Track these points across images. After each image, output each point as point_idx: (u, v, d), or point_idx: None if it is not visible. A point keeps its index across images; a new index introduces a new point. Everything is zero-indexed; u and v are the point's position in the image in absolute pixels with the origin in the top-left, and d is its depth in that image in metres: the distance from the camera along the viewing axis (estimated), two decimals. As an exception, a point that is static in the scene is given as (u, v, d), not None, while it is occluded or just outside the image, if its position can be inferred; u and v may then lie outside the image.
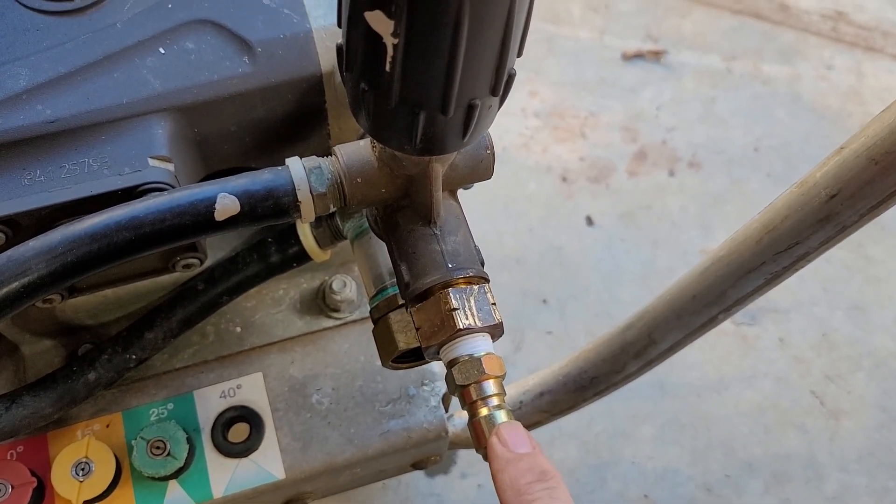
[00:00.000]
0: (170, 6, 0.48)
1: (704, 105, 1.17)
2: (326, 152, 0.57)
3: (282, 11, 0.49)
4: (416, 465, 0.69)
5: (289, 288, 0.66)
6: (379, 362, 0.64)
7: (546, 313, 1.00)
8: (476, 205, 1.06)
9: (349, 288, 0.65)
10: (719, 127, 1.15)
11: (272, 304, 0.66)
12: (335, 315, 0.65)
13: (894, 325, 1.04)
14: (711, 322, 0.55)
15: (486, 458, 0.42)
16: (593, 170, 1.10)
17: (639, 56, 1.20)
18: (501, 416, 0.42)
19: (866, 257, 1.08)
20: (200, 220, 0.42)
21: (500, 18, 0.32)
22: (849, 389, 0.99)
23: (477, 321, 0.43)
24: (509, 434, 0.41)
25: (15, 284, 0.40)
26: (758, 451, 0.95)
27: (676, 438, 0.94)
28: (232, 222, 0.42)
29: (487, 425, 0.42)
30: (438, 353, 0.45)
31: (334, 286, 0.64)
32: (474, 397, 0.43)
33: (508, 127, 1.13)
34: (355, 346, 0.65)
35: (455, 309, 0.43)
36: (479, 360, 0.43)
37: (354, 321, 0.66)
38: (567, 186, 1.08)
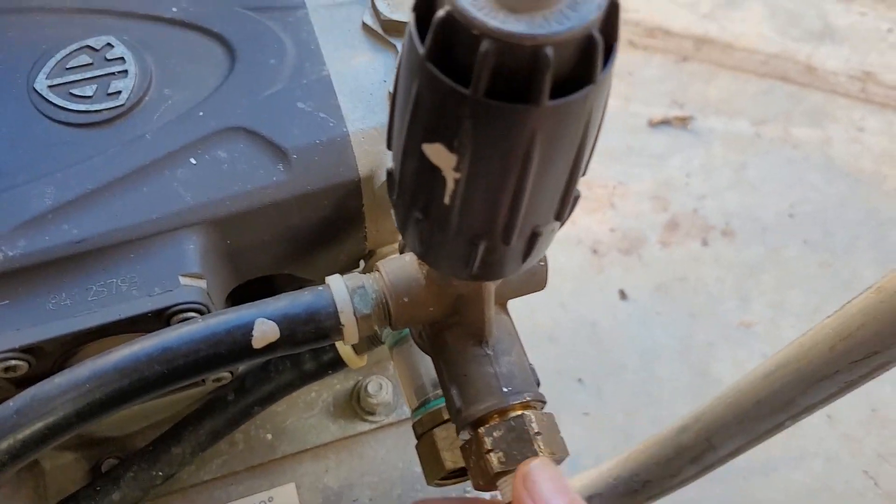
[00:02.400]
0: (201, 114, 0.46)
1: (735, 171, 1.14)
2: (362, 254, 0.55)
3: (318, 115, 0.47)
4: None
5: (321, 390, 0.63)
6: (418, 468, 0.61)
7: (582, 393, 0.96)
8: (505, 280, 1.04)
9: (385, 390, 0.61)
10: (751, 193, 1.12)
11: (304, 409, 0.62)
12: (371, 419, 0.62)
13: (947, 398, 0.99)
14: (777, 428, 0.51)
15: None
16: (624, 241, 1.07)
17: (665, 123, 1.18)
18: None
19: (912, 326, 1.04)
20: (237, 349, 0.39)
21: (572, 148, 0.29)
22: (904, 469, 0.95)
23: (543, 450, 0.40)
24: (540, 490, 0.37)
25: (39, 425, 0.37)
26: (811, 538, 0.91)
27: (723, 526, 0.90)
28: (271, 349, 0.39)
29: None
30: (495, 485, 0.41)
31: (370, 388, 0.61)
32: None
33: (535, 198, 1.11)
34: (392, 451, 0.61)
35: (491, 450, 0.40)
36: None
37: (391, 424, 0.62)
38: (598, 259, 1.06)
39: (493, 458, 0.39)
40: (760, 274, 1.06)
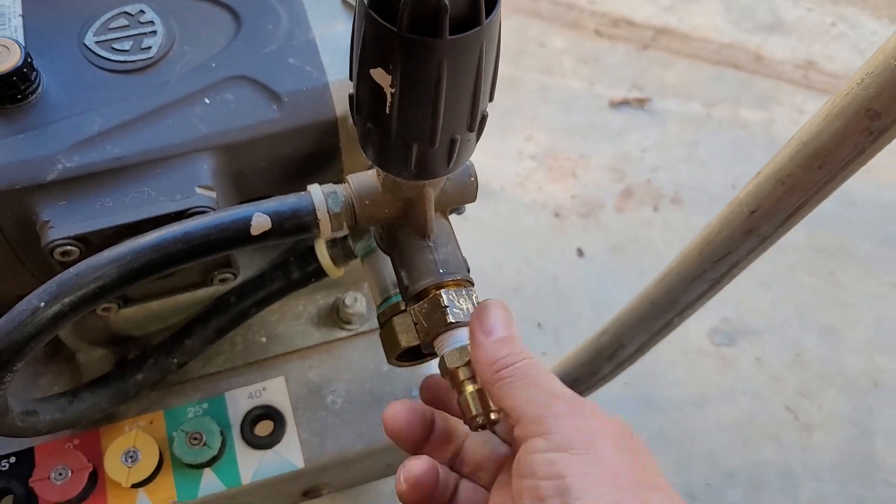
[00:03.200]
0: (213, 65, 0.59)
1: (687, 148, 1.27)
2: (340, 182, 0.68)
3: (304, 68, 0.60)
4: (419, 462, 0.77)
5: (307, 304, 0.76)
6: (386, 367, 0.74)
7: (541, 336, 1.09)
8: (476, 238, 1.16)
9: (360, 303, 0.74)
10: (700, 168, 1.25)
11: (293, 318, 0.75)
12: (348, 327, 0.75)
13: (863, 346, 1.12)
14: (668, 326, 0.64)
15: (473, 429, 0.50)
16: (584, 206, 1.20)
17: (625, 103, 1.31)
18: (486, 393, 0.50)
19: (836, 283, 1.17)
20: (239, 235, 0.51)
21: (471, 73, 0.42)
22: (820, 405, 1.07)
23: (464, 316, 0.52)
24: (491, 318, 0.45)
25: (92, 286, 0.49)
26: (737, 462, 1.03)
27: (661, 450, 1.02)
28: (264, 237, 0.52)
29: (472, 400, 0.51)
30: (433, 346, 0.54)
31: (347, 301, 0.74)
32: (461, 378, 0.51)
33: (506, 168, 1.23)
34: (366, 354, 0.74)
35: (445, 306, 0.52)
36: (465, 347, 0.51)
37: (364, 332, 0.75)
38: (560, 222, 1.18)
39: (435, 315, 0.52)
40: (704, 237, 1.19)
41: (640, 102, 1.30)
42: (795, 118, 1.30)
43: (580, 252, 1.16)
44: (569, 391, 0.41)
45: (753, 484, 1.02)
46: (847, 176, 0.49)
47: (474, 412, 0.48)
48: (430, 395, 0.53)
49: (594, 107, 1.30)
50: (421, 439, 0.50)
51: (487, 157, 1.21)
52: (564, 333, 1.09)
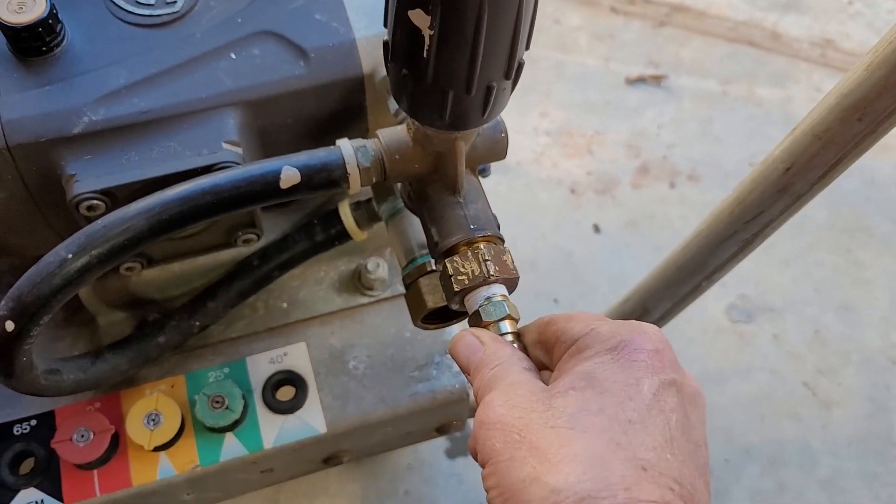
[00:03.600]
0: (239, 20, 0.59)
1: (702, 125, 1.26)
2: (366, 141, 0.67)
3: (330, 24, 0.59)
4: (441, 430, 0.77)
5: (329, 269, 0.75)
6: (408, 333, 0.74)
7: (557, 311, 1.08)
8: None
9: (382, 268, 0.74)
10: (716, 144, 1.24)
11: (314, 284, 0.75)
12: (370, 293, 0.74)
13: (881, 323, 1.11)
14: (696, 290, 0.63)
15: None
16: (600, 183, 1.19)
17: (641, 80, 1.30)
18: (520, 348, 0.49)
19: (855, 262, 1.16)
20: (268, 188, 0.51)
21: (511, 16, 0.41)
22: (839, 382, 1.07)
23: (495, 272, 0.51)
24: (461, 357, 0.46)
25: (121, 237, 0.48)
26: (755, 438, 1.03)
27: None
28: (293, 190, 0.51)
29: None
30: (464, 303, 0.53)
31: (369, 266, 0.73)
32: (502, 331, 0.50)
33: (522, 144, 1.23)
34: (387, 319, 0.74)
35: (489, 259, 0.51)
36: (497, 303, 0.51)
37: (386, 298, 0.74)
38: (576, 198, 1.18)
39: (475, 267, 0.51)
40: (721, 214, 1.18)
41: (656, 79, 1.29)
42: (812, 96, 1.29)
43: (596, 228, 1.15)
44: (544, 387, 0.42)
45: (771, 460, 1.01)
46: (887, 129, 0.48)
47: None
48: None
49: (610, 83, 1.29)
50: None
51: (503, 132, 1.21)
52: (581, 308, 1.08)
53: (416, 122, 0.49)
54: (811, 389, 1.06)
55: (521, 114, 1.25)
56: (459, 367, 0.47)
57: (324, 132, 0.62)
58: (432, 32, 0.41)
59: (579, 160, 1.21)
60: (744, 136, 1.26)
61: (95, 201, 0.54)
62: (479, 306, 0.50)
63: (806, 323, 1.11)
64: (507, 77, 0.45)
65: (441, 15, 0.40)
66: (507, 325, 0.50)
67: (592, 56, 1.32)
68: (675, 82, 1.30)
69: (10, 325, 0.49)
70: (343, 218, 0.66)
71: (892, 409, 1.05)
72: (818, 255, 1.16)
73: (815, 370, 1.07)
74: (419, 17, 0.41)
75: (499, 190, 1.17)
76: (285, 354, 0.71)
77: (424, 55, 0.42)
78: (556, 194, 1.18)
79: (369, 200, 0.67)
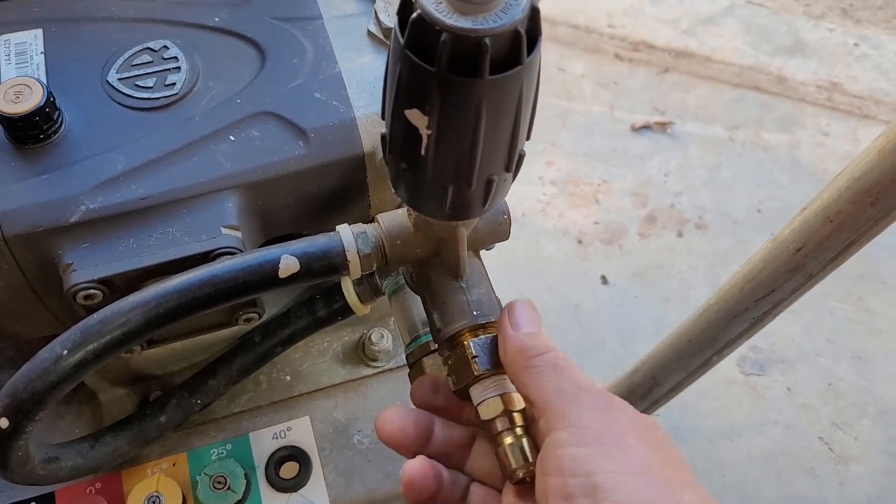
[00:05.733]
0: (238, 101, 0.58)
1: (709, 171, 1.25)
2: (367, 220, 0.66)
3: (331, 103, 0.59)
4: None
5: (332, 341, 0.74)
6: (413, 406, 0.72)
7: (565, 367, 1.07)
8: (498, 265, 1.14)
9: (386, 339, 0.73)
10: (724, 191, 1.23)
11: (318, 356, 0.74)
12: (374, 364, 0.73)
13: (897, 374, 1.10)
14: (706, 364, 0.62)
15: (513, 482, 0.48)
16: (607, 232, 1.18)
17: (646, 127, 1.29)
18: (525, 443, 0.48)
19: (868, 310, 1.14)
20: (267, 278, 0.50)
21: (511, 113, 0.40)
22: (855, 436, 1.04)
23: (488, 367, 0.50)
24: (519, 314, 0.46)
25: (118, 332, 0.48)
26: (770, 495, 1.01)
27: (692, 484, 1.00)
28: (293, 279, 0.50)
29: (512, 452, 0.48)
30: (469, 395, 0.52)
31: (373, 338, 0.72)
32: (499, 429, 0.49)
33: (527, 194, 1.22)
34: (392, 391, 0.73)
35: (476, 356, 0.50)
36: (500, 397, 0.49)
37: (391, 369, 0.73)
38: (582, 248, 1.17)
39: (465, 364, 0.50)
40: (730, 263, 1.16)
41: (662, 126, 1.29)
42: (820, 140, 1.28)
43: (604, 279, 1.14)
44: (597, 386, 0.41)
45: (788, 518, 0.99)
46: (900, 212, 0.47)
47: (514, 465, 0.46)
48: (421, 401, 0.52)
49: (615, 131, 1.29)
50: (418, 444, 0.48)
51: (508, 183, 1.20)
52: (588, 362, 1.07)
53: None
54: (827, 444, 1.04)
55: (526, 163, 1.24)
56: (510, 318, 0.47)
57: (325, 210, 0.61)
58: (430, 132, 0.40)
59: (586, 209, 1.20)
60: (752, 182, 1.25)
61: (93, 290, 0.53)
62: (482, 403, 0.49)
63: (819, 374, 1.09)
64: (507, 170, 0.44)
65: (439, 116, 0.39)
66: (514, 418, 0.48)
67: (597, 103, 1.31)
68: (680, 129, 1.29)
69: (4, 422, 0.48)
70: (346, 293, 0.65)
71: (911, 462, 1.03)
72: (830, 304, 1.14)
73: (830, 423, 1.05)
74: (416, 117, 0.40)
75: (504, 243, 1.16)
76: (289, 429, 0.70)
77: (423, 152, 0.42)
78: (562, 245, 1.17)
79: (372, 275, 0.66)
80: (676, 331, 0.63)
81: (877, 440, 1.04)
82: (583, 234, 1.17)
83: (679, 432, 1.04)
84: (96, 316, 0.48)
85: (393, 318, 0.75)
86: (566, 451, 0.38)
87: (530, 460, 0.46)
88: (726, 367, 1.09)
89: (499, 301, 0.55)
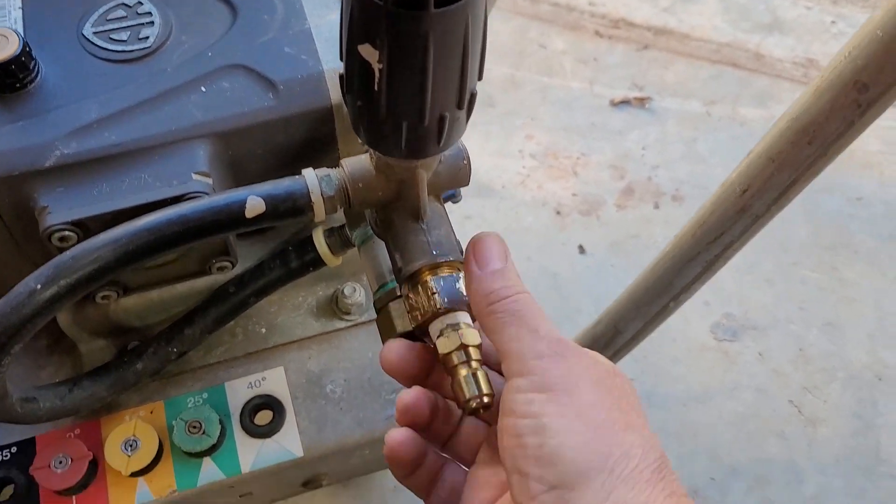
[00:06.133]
0: (209, 55, 0.60)
1: (686, 145, 1.28)
2: (336, 171, 0.68)
3: (300, 57, 0.61)
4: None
5: (307, 295, 0.76)
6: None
7: (542, 333, 1.09)
8: (477, 237, 1.17)
9: (359, 293, 0.75)
10: (700, 164, 1.26)
11: (292, 309, 0.76)
12: (347, 317, 0.75)
13: (867, 340, 1.12)
14: (664, 311, 0.64)
15: (467, 412, 0.50)
16: (585, 204, 1.20)
17: (625, 103, 1.31)
18: (480, 375, 0.50)
19: (840, 279, 1.16)
20: (234, 217, 0.51)
21: (458, 48, 0.42)
22: (825, 399, 1.07)
23: (445, 303, 0.52)
24: (484, 250, 0.46)
25: (90, 268, 0.49)
26: (741, 457, 1.03)
27: (664, 445, 1.02)
28: (258, 219, 0.52)
29: (466, 384, 0.51)
30: (428, 332, 0.54)
31: (346, 292, 0.74)
32: (455, 362, 0.51)
33: (507, 167, 1.24)
34: (364, 344, 0.75)
35: (435, 291, 0.52)
36: (457, 332, 0.51)
37: (363, 323, 0.75)
38: (561, 219, 1.19)
39: (425, 300, 0.52)
40: (705, 233, 1.19)
41: (641, 101, 1.31)
42: (796, 115, 1.30)
43: (581, 249, 1.16)
44: (555, 333, 0.42)
45: (757, 478, 1.01)
46: (837, 152, 0.49)
47: (468, 395, 0.48)
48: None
49: (594, 106, 1.31)
50: (418, 375, 0.49)
51: (489, 155, 1.22)
52: (565, 329, 1.09)
53: (377, 153, 0.51)
54: (797, 407, 1.06)
55: (506, 137, 1.27)
56: (475, 256, 0.47)
57: (295, 162, 0.63)
58: (381, 66, 0.42)
59: (564, 182, 1.22)
60: (728, 156, 1.27)
61: (67, 232, 0.55)
62: (440, 337, 0.51)
63: (791, 340, 1.11)
64: (459, 107, 0.46)
65: (389, 50, 0.41)
66: (469, 352, 0.50)
67: (577, 79, 1.33)
68: (659, 104, 1.31)
69: (-20, 355, 0.50)
70: (317, 245, 0.67)
71: (879, 425, 1.06)
72: (802, 273, 1.16)
73: (800, 388, 1.08)
74: (368, 52, 0.42)
75: (484, 213, 1.18)
76: (263, 379, 0.72)
77: (376, 88, 0.44)
78: (541, 216, 1.19)
79: (342, 227, 0.68)
80: (635, 281, 0.65)
81: (846, 403, 1.06)
82: (561, 206, 1.19)
83: (653, 397, 1.06)
84: (69, 252, 0.50)
85: (365, 275, 0.77)
86: (521, 395, 0.40)
87: (484, 391, 0.47)
88: (699, 334, 1.11)
89: (458, 243, 0.57)
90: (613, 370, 0.43)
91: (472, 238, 0.47)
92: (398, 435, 0.46)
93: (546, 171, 1.23)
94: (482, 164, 1.21)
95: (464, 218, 1.17)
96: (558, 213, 1.19)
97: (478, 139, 1.25)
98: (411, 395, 0.47)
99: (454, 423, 0.50)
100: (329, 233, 0.68)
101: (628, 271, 1.14)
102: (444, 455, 0.48)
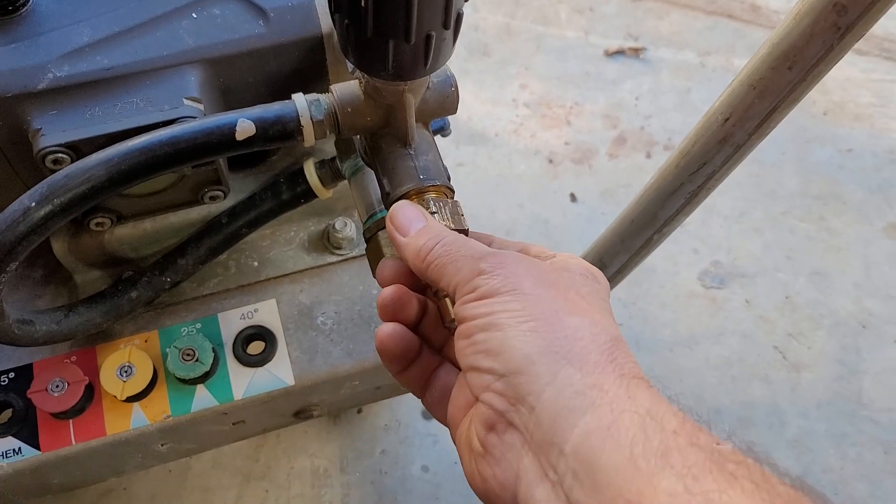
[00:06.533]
0: (200, -19, 0.60)
1: (680, 95, 1.28)
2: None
3: (290, -15, 0.61)
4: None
5: (299, 230, 0.77)
6: (375, 290, 0.76)
7: (532, 278, 1.10)
8: (471, 183, 1.17)
9: (349, 228, 0.76)
10: (693, 115, 1.26)
11: (284, 243, 0.77)
12: (338, 252, 0.76)
13: (853, 289, 1.13)
14: (648, 244, 0.65)
15: (451, 332, 0.51)
16: (577, 153, 1.21)
17: (620, 53, 1.31)
18: None
19: (828, 229, 1.18)
20: (224, 140, 0.52)
21: (444, -35, 0.43)
22: (809, 345, 1.09)
23: (446, 223, 0.53)
24: (401, 218, 0.48)
25: (83, 187, 0.50)
26: (725, 399, 1.05)
27: (650, 388, 1.04)
28: (249, 142, 0.53)
29: (450, 304, 0.52)
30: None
31: (337, 226, 0.76)
32: None
33: (500, 115, 1.24)
34: (355, 277, 0.76)
35: (432, 212, 0.53)
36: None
37: (354, 257, 0.77)
38: (553, 167, 1.20)
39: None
40: (696, 183, 1.19)
41: (635, 52, 1.31)
42: (790, 67, 1.30)
43: (573, 197, 1.17)
44: (489, 249, 0.44)
45: (741, 420, 1.04)
46: (817, 77, 0.50)
47: (452, 315, 0.49)
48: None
49: (589, 56, 1.31)
50: (410, 318, 0.50)
51: (483, 104, 1.22)
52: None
53: (365, 75, 0.51)
54: (782, 353, 1.08)
55: (500, 85, 1.27)
56: (396, 227, 0.49)
57: (285, 90, 0.63)
58: (368, -18, 0.43)
59: (557, 131, 1.23)
60: (721, 106, 1.27)
61: (60, 154, 0.56)
62: None
63: (778, 288, 1.13)
64: (445, 27, 0.47)
65: (375, -36, 0.42)
66: None
67: (572, 29, 1.33)
68: (653, 55, 1.31)
69: (-23, 272, 0.51)
70: (308, 176, 0.68)
71: (863, 371, 1.08)
72: (791, 223, 1.17)
73: (785, 334, 1.09)
74: (355, -33, 0.43)
75: (477, 161, 1.19)
76: (256, 311, 0.74)
77: (362, 4, 0.44)
78: (533, 164, 1.20)
79: (333, 159, 0.69)
80: (620, 215, 0.66)
81: (830, 350, 1.08)
82: (554, 154, 1.19)
83: (640, 342, 1.08)
84: (62, 171, 0.51)
85: (356, 210, 0.78)
86: (469, 304, 0.42)
87: None
88: (688, 281, 1.12)
89: (445, 168, 0.58)
90: (562, 266, 0.45)
91: (388, 214, 0.50)
92: (387, 328, 0.47)
93: (539, 119, 1.23)
94: (476, 111, 1.21)
95: (457, 165, 1.18)
96: (551, 161, 1.20)
97: (472, 87, 1.25)
98: (390, 290, 0.48)
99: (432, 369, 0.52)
100: (320, 165, 0.69)
101: (619, 219, 1.15)
102: (440, 356, 0.50)
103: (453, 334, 0.50)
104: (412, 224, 0.48)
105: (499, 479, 0.39)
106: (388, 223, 0.50)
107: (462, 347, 0.41)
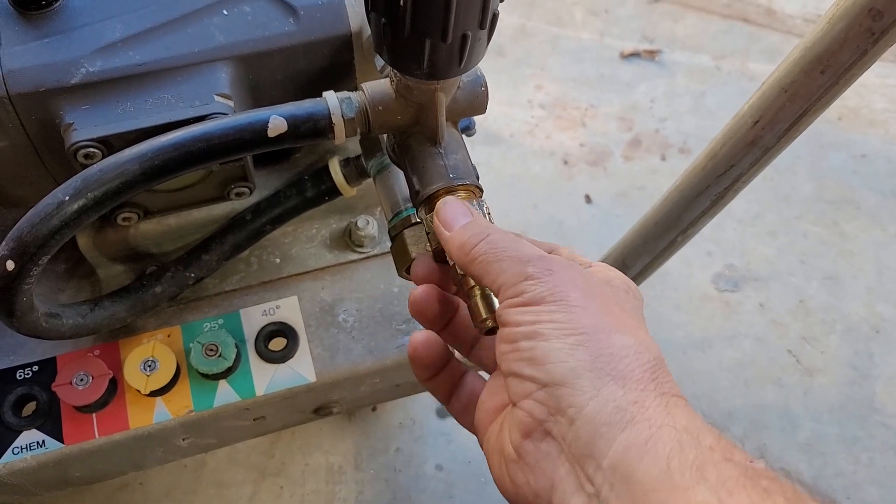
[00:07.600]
0: (231, -22, 0.61)
1: (694, 99, 1.28)
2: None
3: (320, -17, 0.62)
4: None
5: (321, 227, 0.78)
6: (396, 288, 0.76)
7: (547, 278, 1.10)
8: (485, 184, 1.17)
9: (372, 226, 0.76)
10: (708, 118, 1.26)
11: (306, 241, 0.77)
12: (360, 250, 0.77)
13: (866, 293, 1.13)
14: (672, 245, 0.66)
15: (482, 332, 0.51)
16: (592, 154, 1.21)
17: (635, 55, 1.31)
18: (493, 296, 0.52)
19: (841, 234, 1.18)
20: (256, 136, 0.53)
21: (484, -34, 0.43)
22: (822, 350, 1.09)
23: None
24: (448, 213, 0.49)
25: (116, 182, 0.51)
26: (738, 402, 1.05)
27: (664, 390, 1.04)
28: (280, 139, 0.53)
29: (481, 304, 0.52)
30: (445, 254, 0.55)
31: (359, 224, 0.76)
32: (471, 283, 0.53)
33: (516, 116, 1.25)
34: (376, 275, 0.76)
35: None
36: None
37: (376, 255, 0.77)
38: (568, 169, 1.20)
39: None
40: (711, 186, 1.20)
41: (650, 54, 1.31)
42: (805, 72, 1.30)
43: (588, 198, 1.17)
44: (538, 252, 0.44)
45: (753, 423, 1.04)
46: (849, 81, 0.50)
47: (484, 315, 0.49)
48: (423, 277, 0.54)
49: (604, 58, 1.31)
50: (440, 317, 0.51)
51: (498, 104, 1.23)
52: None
53: (398, 74, 0.52)
54: (795, 356, 1.08)
55: (515, 86, 1.27)
56: (441, 222, 0.49)
57: (313, 88, 0.64)
58: (408, -18, 0.43)
59: (573, 132, 1.23)
60: (735, 109, 1.27)
61: (92, 149, 0.56)
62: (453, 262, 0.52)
63: (791, 292, 1.13)
64: (481, 27, 0.47)
65: (416, -36, 0.42)
66: None
67: (588, 31, 1.33)
68: (668, 57, 1.32)
69: (10, 265, 0.51)
70: (333, 174, 0.69)
71: (875, 376, 1.08)
72: (804, 227, 1.18)
73: (799, 338, 1.10)
74: (396, -34, 0.43)
75: (492, 161, 1.19)
76: (278, 307, 0.74)
77: (401, 3, 0.45)
78: (548, 165, 1.20)
79: (358, 157, 0.70)
80: (644, 216, 0.67)
81: (843, 354, 1.08)
82: (569, 156, 1.20)
83: (654, 343, 1.08)
84: (96, 166, 0.51)
85: (379, 208, 0.79)
86: (515, 309, 0.42)
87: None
88: (702, 284, 1.13)
89: (475, 168, 0.58)
90: (602, 280, 0.45)
91: (435, 208, 0.50)
92: (420, 336, 0.48)
93: (554, 121, 1.23)
94: (491, 112, 1.21)
95: (472, 165, 1.18)
96: (566, 162, 1.20)
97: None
98: (421, 289, 0.48)
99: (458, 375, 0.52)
100: (345, 163, 0.70)
101: (633, 221, 1.15)
102: (467, 363, 0.50)
103: (484, 334, 0.50)
104: (458, 219, 0.48)
105: (533, 486, 0.40)
106: (434, 218, 0.50)
107: (504, 352, 0.41)
